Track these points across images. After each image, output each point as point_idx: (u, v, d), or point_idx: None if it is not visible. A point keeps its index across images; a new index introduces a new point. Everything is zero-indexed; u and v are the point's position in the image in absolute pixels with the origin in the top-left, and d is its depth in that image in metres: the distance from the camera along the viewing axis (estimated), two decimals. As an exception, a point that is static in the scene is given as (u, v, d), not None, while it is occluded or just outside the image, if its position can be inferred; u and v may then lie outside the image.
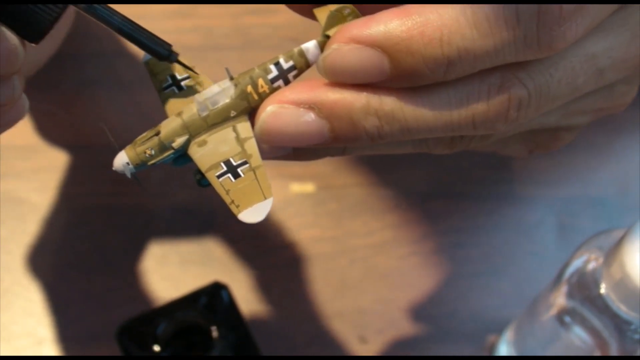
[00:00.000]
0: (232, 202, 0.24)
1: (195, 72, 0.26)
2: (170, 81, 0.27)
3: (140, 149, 0.25)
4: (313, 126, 0.24)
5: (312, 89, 0.24)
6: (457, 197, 0.52)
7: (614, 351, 0.35)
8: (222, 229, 0.50)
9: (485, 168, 0.52)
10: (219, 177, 0.24)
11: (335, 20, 0.25)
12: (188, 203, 0.51)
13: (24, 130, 0.52)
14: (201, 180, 0.25)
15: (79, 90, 0.53)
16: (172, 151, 0.25)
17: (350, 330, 0.48)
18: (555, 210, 0.51)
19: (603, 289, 0.33)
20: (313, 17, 0.25)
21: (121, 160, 0.25)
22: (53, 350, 0.47)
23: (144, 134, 0.25)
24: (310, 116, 0.24)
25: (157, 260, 0.49)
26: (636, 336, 0.34)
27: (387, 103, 0.24)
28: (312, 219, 0.50)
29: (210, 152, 0.25)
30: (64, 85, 0.53)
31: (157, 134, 0.25)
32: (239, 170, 0.24)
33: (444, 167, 0.52)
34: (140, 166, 0.25)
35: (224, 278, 0.46)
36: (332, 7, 0.25)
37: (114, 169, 0.25)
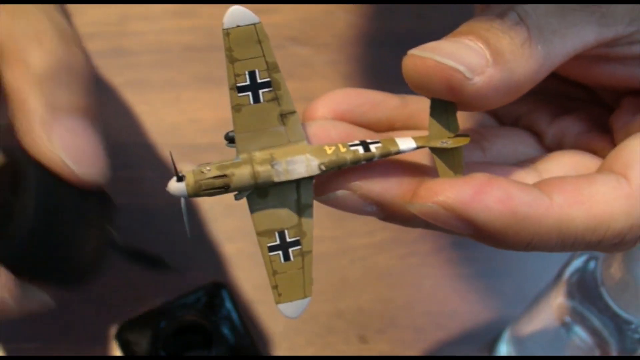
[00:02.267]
0: (276, 287, 0.24)
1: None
2: (248, 81, 0.23)
3: (203, 193, 0.23)
4: (371, 213, 0.24)
5: (386, 190, 0.24)
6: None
7: (614, 351, 0.35)
8: (222, 229, 0.50)
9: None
10: (270, 250, 0.24)
11: (438, 151, 0.24)
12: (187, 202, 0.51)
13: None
14: (237, 196, 0.24)
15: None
16: (229, 193, 0.24)
17: (350, 330, 0.48)
18: (555, 210, 0.51)
19: (603, 289, 0.33)
20: (428, 95, 0.24)
21: (179, 190, 0.24)
22: (53, 350, 0.47)
23: (211, 172, 0.23)
24: (372, 208, 0.24)
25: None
26: (636, 336, 0.34)
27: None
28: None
29: (268, 212, 0.24)
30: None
31: (226, 187, 0.23)
32: (290, 251, 0.24)
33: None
34: (193, 197, 0.24)
35: (224, 278, 0.46)
36: (443, 135, 0.24)
37: (168, 190, 0.24)
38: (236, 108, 0.23)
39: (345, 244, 0.50)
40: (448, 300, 0.49)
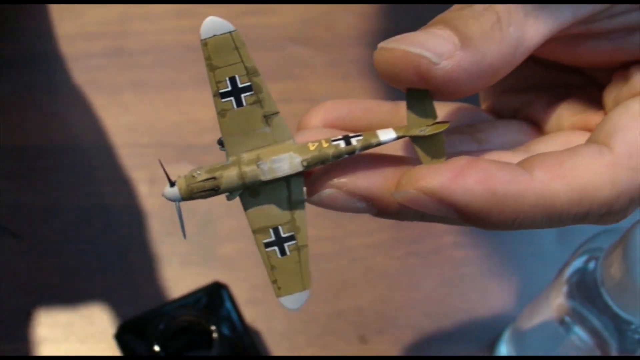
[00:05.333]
0: (275, 281, 0.25)
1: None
2: (229, 87, 0.24)
3: (196, 196, 0.25)
4: (364, 210, 0.25)
5: (371, 184, 0.24)
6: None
7: (614, 351, 0.35)
8: (222, 229, 0.50)
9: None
10: (266, 246, 0.25)
11: (417, 140, 0.24)
12: (187, 202, 0.51)
13: (23, 131, 0.52)
14: (229, 196, 0.25)
15: (77, 91, 0.53)
16: (220, 194, 0.25)
17: (350, 330, 0.48)
18: (555, 210, 0.51)
19: (603, 289, 0.33)
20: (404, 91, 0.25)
21: (173, 195, 0.25)
22: (53, 350, 0.47)
23: (201, 175, 0.25)
24: (362, 204, 0.24)
25: (157, 260, 0.49)
26: (636, 336, 0.34)
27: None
28: (312, 219, 0.50)
29: (261, 210, 0.25)
30: (62, 86, 0.53)
31: (216, 189, 0.25)
32: (285, 246, 0.25)
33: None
34: (187, 199, 0.25)
35: (224, 278, 0.45)
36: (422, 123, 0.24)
37: (163, 195, 0.26)
38: (221, 114, 0.24)
39: (344, 244, 0.50)
40: (448, 300, 0.49)
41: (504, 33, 0.23)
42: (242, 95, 0.24)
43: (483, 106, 0.31)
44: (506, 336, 0.46)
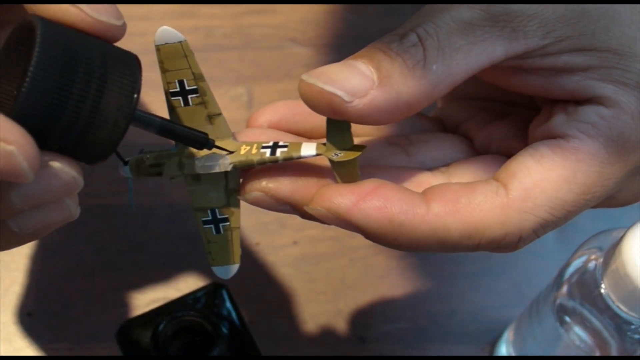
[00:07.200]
0: (210, 253, 0.29)
1: (230, 152, 0.27)
2: (178, 88, 0.27)
3: (143, 176, 0.28)
4: (290, 212, 0.27)
5: (293, 193, 0.26)
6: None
7: (614, 351, 0.35)
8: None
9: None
10: (204, 223, 0.28)
11: (332, 161, 0.26)
12: (187, 202, 0.51)
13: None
14: (172, 179, 0.28)
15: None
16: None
17: (349, 330, 0.48)
18: (555, 210, 0.51)
19: (603, 289, 0.33)
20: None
21: (126, 172, 0.28)
22: (53, 350, 0.47)
23: (149, 160, 0.28)
24: (286, 208, 0.27)
25: (157, 260, 0.49)
26: (636, 336, 0.34)
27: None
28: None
29: (202, 193, 0.28)
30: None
31: (160, 174, 0.28)
32: (220, 225, 0.28)
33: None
34: (137, 177, 0.29)
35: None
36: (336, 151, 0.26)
37: (120, 172, 0.29)
38: (170, 109, 0.27)
39: (345, 244, 0.50)
40: (448, 300, 0.49)
41: (426, 71, 0.24)
42: (189, 96, 0.27)
43: (432, 113, 0.32)
44: (506, 336, 0.46)
